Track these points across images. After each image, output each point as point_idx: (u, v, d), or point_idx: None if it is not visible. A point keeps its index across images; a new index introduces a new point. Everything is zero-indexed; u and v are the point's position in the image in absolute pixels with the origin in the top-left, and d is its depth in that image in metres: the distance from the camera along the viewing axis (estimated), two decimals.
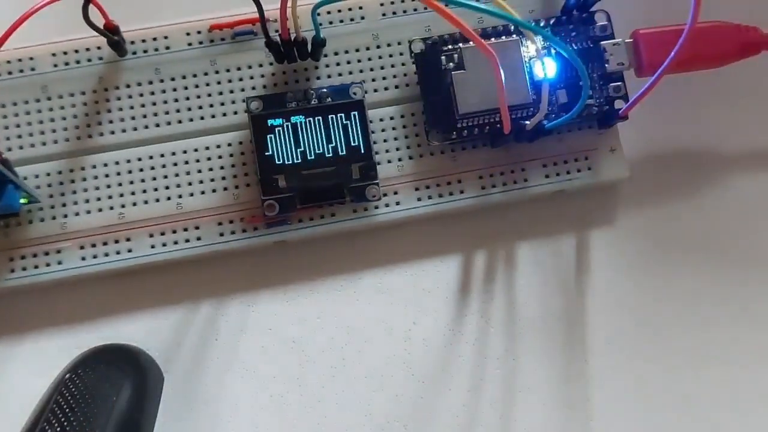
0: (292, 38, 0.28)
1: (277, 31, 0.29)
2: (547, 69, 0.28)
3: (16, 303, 0.29)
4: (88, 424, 0.25)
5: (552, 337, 0.30)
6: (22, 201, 0.28)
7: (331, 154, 0.28)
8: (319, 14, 0.30)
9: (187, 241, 0.29)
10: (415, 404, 0.29)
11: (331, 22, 0.30)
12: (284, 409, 0.29)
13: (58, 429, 0.25)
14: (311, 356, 0.30)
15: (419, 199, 0.30)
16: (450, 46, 0.29)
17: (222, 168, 0.29)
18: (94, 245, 0.29)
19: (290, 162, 0.28)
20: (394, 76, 0.30)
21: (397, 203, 0.30)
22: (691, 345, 0.30)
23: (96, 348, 0.28)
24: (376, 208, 0.29)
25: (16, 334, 0.29)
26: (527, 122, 0.28)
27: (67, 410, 0.25)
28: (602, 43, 0.29)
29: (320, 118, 0.29)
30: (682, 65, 0.29)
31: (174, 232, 0.29)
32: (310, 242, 0.30)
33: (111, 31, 0.28)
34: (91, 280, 0.29)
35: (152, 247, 0.29)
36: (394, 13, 0.31)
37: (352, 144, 0.29)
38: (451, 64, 0.29)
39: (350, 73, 0.30)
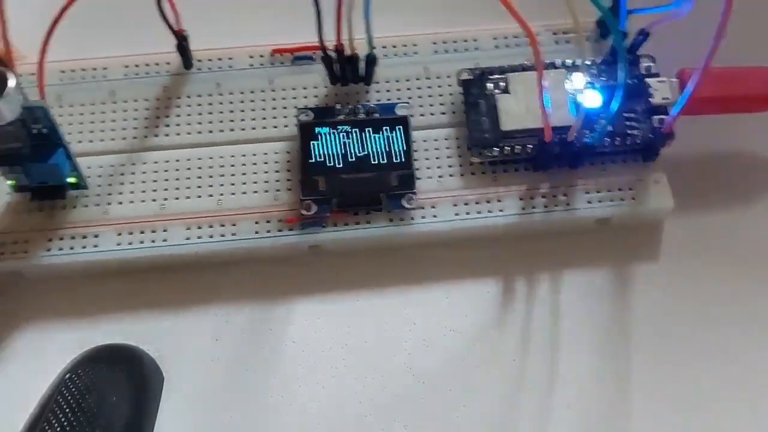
0: (346, 53, 0.30)
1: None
2: (591, 100, 0.29)
3: (23, 292, 0.30)
4: (88, 424, 0.25)
5: (552, 337, 0.29)
6: (70, 180, 0.29)
7: (371, 161, 0.29)
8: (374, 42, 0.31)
9: (222, 236, 0.29)
10: (415, 404, 0.28)
11: (385, 55, 0.32)
12: (284, 409, 0.28)
13: (58, 429, 0.24)
14: (312, 356, 0.29)
15: (456, 214, 0.29)
16: (497, 75, 0.30)
17: (266, 173, 0.30)
18: (131, 233, 0.29)
19: (332, 165, 0.29)
20: (441, 104, 0.31)
21: (434, 216, 0.29)
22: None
23: (96, 348, 0.28)
24: (412, 219, 0.29)
25: (17, 334, 0.29)
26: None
27: (68, 410, 0.25)
28: (648, 80, 0.30)
29: (365, 129, 0.29)
30: (720, 107, 0.29)
31: (210, 226, 0.29)
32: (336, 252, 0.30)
33: (179, 36, 0.30)
34: (98, 276, 0.30)
35: (187, 239, 0.29)
36: (446, 51, 0.32)
37: (393, 153, 0.29)
38: (497, 90, 0.30)
39: (399, 99, 0.31)
